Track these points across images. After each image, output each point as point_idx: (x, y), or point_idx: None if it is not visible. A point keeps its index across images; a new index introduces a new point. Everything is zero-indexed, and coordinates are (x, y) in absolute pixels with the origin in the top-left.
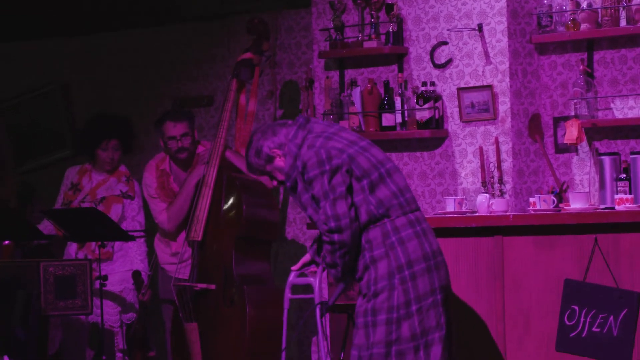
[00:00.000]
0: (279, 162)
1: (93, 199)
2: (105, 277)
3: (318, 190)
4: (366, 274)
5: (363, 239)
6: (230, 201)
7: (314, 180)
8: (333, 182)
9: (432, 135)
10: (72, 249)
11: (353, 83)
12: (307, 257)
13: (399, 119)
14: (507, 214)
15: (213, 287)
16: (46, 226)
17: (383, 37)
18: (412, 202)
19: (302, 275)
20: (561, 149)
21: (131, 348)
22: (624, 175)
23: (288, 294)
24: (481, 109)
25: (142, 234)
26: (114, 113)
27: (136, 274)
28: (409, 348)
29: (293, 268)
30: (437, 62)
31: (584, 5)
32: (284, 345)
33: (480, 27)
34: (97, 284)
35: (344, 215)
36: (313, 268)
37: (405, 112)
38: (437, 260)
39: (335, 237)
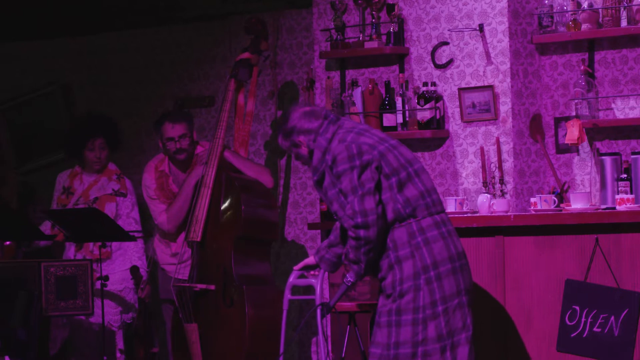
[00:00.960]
0: (303, 150)
1: (86, 200)
2: (106, 277)
3: (347, 185)
4: (390, 274)
5: (388, 238)
6: (229, 201)
7: (342, 174)
8: (362, 177)
9: (433, 136)
10: (70, 252)
11: (354, 83)
12: (311, 260)
13: (400, 119)
14: (508, 214)
15: (212, 287)
16: (47, 228)
17: (384, 38)
18: (439, 204)
19: (302, 276)
20: (562, 149)
21: (133, 344)
22: (625, 176)
23: (288, 295)
24: (482, 109)
25: (141, 234)
26: (98, 112)
27: (134, 269)
28: (436, 349)
29: (295, 267)
30: (438, 62)
31: (585, 5)
32: (282, 346)
33: (481, 28)
34: (98, 285)
35: (371, 212)
36: (315, 272)
37: (406, 112)
38: (462, 263)
39: (362, 233)
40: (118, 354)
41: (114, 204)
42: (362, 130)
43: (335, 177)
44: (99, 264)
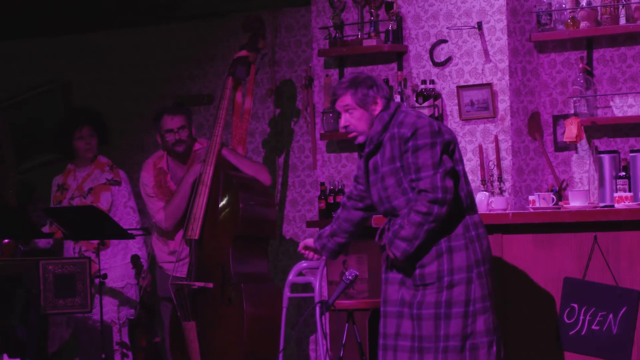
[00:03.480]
0: (372, 108)
1: (81, 192)
2: (104, 276)
3: (426, 159)
4: (436, 263)
5: (444, 224)
6: (227, 199)
7: (422, 148)
8: (443, 156)
9: None
10: (69, 244)
11: None
12: (310, 242)
13: None
14: (507, 212)
15: (211, 285)
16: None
17: (382, 36)
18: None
19: (301, 274)
20: (560, 147)
21: (135, 334)
22: (624, 173)
23: (287, 293)
24: (481, 107)
25: (140, 232)
26: (81, 107)
27: (135, 258)
28: (483, 343)
29: (299, 249)
30: (436, 60)
31: (584, 3)
32: (281, 343)
33: (479, 25)
34: (97, 281)
35: (450, 191)
36: (312, 255)
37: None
38: (492, 265)
39: (436, 209)
40: (116, 347)
41: (109, 192)
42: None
43: (411, 151)
44: (97, 256)
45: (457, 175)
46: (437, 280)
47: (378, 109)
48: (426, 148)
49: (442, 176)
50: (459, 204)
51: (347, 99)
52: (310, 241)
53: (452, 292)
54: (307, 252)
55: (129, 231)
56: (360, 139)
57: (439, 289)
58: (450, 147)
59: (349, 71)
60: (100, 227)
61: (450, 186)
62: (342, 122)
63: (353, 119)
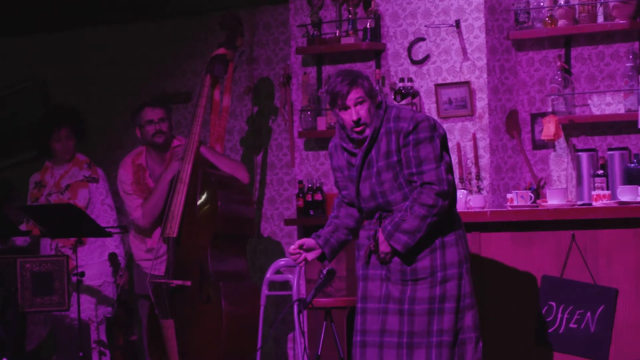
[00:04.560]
0: (371, 106)
1: (58, 189)
2: (82, 274)
3: (428, 153)
4: (429, 257)
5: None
6: (205, 197)
7: (423, 142)
8: (442, 150)
9: None
10: (46, 241)
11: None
12: (310, 242)
13: None
14: (485, 210)
15: (189, 283)
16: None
17: (361, 34)
18: None
19: (278, 272)
20: (538, 145)
21: (113, 332)
22: (601, 172)
23: (265, 291)
24: (459, 105)
25: (117, 230)
26: (60, 105)
27: (113, 256)
28: (471, 338)
29: (291, 249)
30: (414, 58)
31: (562, 1)
32: (259, 341)
33: (457, 24)
34: (74, 279)
35: (453, 184)
36: (299, 260)
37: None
38: None
39: (440, 201)
40: (93, 345)
41: (87, 190)
42: None
43: (413, 144)
44: (74, 252)
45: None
46: (430, 276)
47: (376, 102)
48: (427, 142)
49: (445, 169)
50: (452, 199)
51: (359, 92)
52: (309, 240)
53: (445, 287)
54: (296, 255)
55: (106, 229)
56: (368, 132)
57: (432, 284)
58: (445, 142)
59: (327, 69)
60: (77, 224)
61: (452, 180)
62: (354, 115)
63: (363, 111)
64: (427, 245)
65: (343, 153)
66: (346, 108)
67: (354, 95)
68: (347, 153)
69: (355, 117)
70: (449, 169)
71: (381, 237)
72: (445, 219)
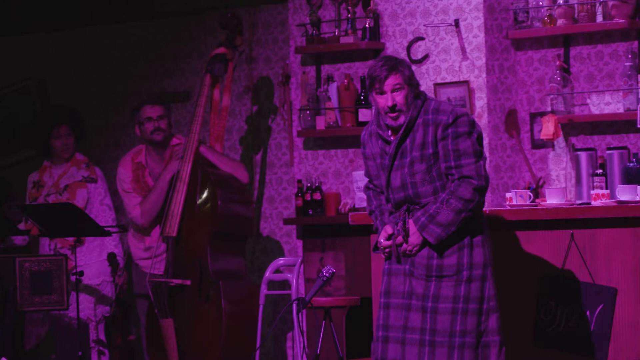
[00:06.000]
0: (409, 94)
1: (57, 189)
2: (81, 273)
3: (467, 147)
4: (456, 255)
5: None
6: (205, 196)
7: (462, 135)
8: (481, 147)
9: None
10: (45, 240)
11: (330, 78)
12: (388, 230)
13: None
14: (484, 209)
15: (188, 282)
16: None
17: (360, 33)
18: None
19: (278, 271)
20: (537, 144)
21: (110, 331)
22: (600, 171)
23: (264, 290)
24: (458, 104)
25: (116, 229)
26: (59, 104)
27: (112, 256)
28: (495, 341)
29: (382, 238)
30: (413, 57)
31: (561, 1)
32: (258, 341)
33: (457, 23)
34: (73, 279)
35: (489, 181)
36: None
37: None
38: None
39: (477, 197)
40: (92, 345)
41: (85, 190)
42: None
43: (453, 137)
44: (74, 252)
45: None
46: (456, 274)
47: (417, 91)
48: (466, 136)
49: (484, 166)
50: (484, 199)
51: (398, 78)
52: (388, 227)
53: (470, 287)
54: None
55: (105, 228)
56: (402, 119)
57: (457, 283)
58: (482, 141)
59: (326, 68)
60: (76, 224)
61: (488, 176)
62: (389, 101)
63: (400, 97)
64: (456, 242)
65: (378, 140)
66: (383, 93)
67: (392, 81)
68: (382, 140)
69: (390, 103)
70: (485, 165)
71: (413, 227)
72: (476, 219)
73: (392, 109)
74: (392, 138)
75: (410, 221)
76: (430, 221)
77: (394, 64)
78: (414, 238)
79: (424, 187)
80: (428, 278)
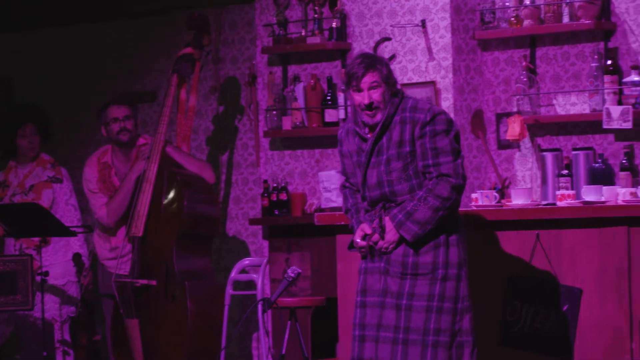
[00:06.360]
0: (386, 91)
1: (22, 189)
2: (46, 273)
3: (445, 145)
4: (432, 253)
5: None
6: (171, 196)
7: (440, 133)
8: (459, 146)
9: None
10: (10, 240)
11: (296, 79)
12: (367, 227)
13: (342, 115)
14: None
15: (154, 283)
16: None
17: (326, 33)
18: None
19: (243, 271)
20: (503, 145)
21: (76, 332)
22: (566, 172)
23: (229, 290)
24: None
25: (82, 229)
26: (24, 103)
27: (77, 257)
28: (468, 342)
29: (357, 238)
30: (384, 58)
31: (527, 1)
32: (224, 341)
33: (423, 23)
34: (38, 279)
35: (466, 180)
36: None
37: (349, 108)
38: None
39: (455, 195)
40: (57, 345)
41: (51, 190)
42: None
43: (430, 135)
44: (39, 253)
45: None
46: (431, 272)
47: (394, 89)
48: (444, 134)
49: (462, 164)
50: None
51: (375, 75)
52: (365, 226)
53: (445, 285)
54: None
55: (70, 228)
56: (378, 117)
57: (433, 281)
58: (459, 139)
59: (292, 69)
60: (42, 224)
61: (466, 176)
62: (366, 99)
63: (377, 95)
64: (432, 240)
65: (355, 138)
66: (360, 90)
67: (369, 78)
68: (359, 138)
69: (367, 101)
70: (463, 164)
71: (389, 225)
72: (452, 218)
73: (369, 106)
74: (369, 135)
75: (387, 218)
76: (408, 219)
77: (372, 62)
78: (391, 235)
79: (400, 185)
80: (403, 276)
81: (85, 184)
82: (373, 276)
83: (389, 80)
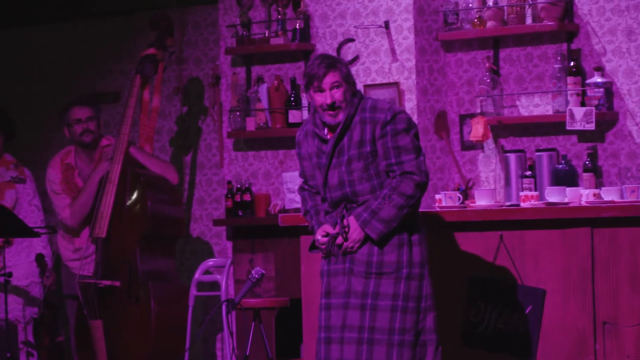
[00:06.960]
0: (347, 91)
1: None
2: (9, 274)
3: (407, 143)
4: (396, 253)
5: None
6: (135, 197)
7: (401, 132)
8: (419, 144)
9: None
10: None
11: (260, 80)
12: (329, 227)
13: (305, 116)
14: None
15: (118, 283)
16: None
17: (290, 34)
18: None
19: (207, 272)
20: (467, 146)
21: (39, 333)
22: (529, 173)
23: (193, 291)
24: None
25: (45, 230)
26: None
27: (40, 257)
28: (432, 340)
29: (319, 236)
30: (343, 59)
31: (490, 3)
32: (188, 342)
33: (387, 25)
34: (1, 280)
35: (429, 177)
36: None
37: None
38: None
39: (419, 193)
40: (20, 346)
41: (14, 190)
42: None
43: (392, 134)
44: (3, 258)
45: None
46: (396, 271)
47: (354, 89)
48: (405, 133)
49: (424, 162)
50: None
51: (336, 75)
52: (326, 226)
53: (409, 284)
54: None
55: (34, 229)
56: (340, 117)
57: (397, 280)
58: (418, 138)
59: (256, 70)
60: (5, 224)
61: (428, 173)
62: (328, 99)
63: (338, 94)
64: (396, 239)
65: (314, 139)
66: (321, 90)
67: (330, 78)
68: (319, 139)
69: (329, 100)
70: (425, 161)
71: (354, 224)
72: (413, 217)
73: (332, 106)
74: (329, 136)
75: (351, 218)
76: (373, 217)
77: (332, 62)
78: (356, 234)
79: (361, 185)
80: (367, 275)
81: (49, 184)
82: (337, 278)
83: (349, 79)
